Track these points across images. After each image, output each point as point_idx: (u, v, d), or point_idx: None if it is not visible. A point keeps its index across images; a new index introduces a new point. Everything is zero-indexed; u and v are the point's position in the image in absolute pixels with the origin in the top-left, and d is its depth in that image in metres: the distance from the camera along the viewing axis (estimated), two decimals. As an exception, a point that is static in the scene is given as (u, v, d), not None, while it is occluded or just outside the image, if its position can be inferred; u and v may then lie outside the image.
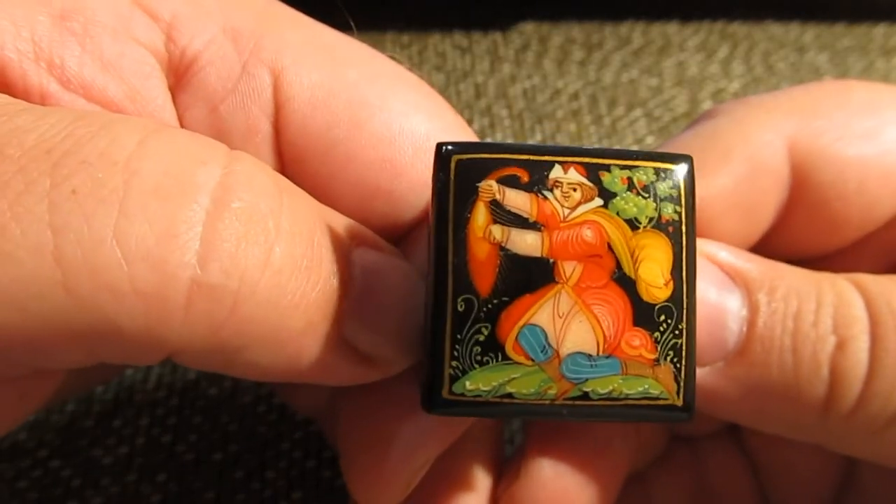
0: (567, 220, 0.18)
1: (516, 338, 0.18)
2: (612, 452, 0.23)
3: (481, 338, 0.18)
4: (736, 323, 0.20)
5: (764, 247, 0.22)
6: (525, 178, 0.18)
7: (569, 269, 0.18)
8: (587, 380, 0.18)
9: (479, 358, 0.18)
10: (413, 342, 0.20)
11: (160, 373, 0.31)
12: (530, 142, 0.40)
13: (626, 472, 0.23)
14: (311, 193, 0.20)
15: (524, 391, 0.18)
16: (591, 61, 0.44)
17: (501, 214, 0.18)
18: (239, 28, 0.21)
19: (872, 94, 0.23)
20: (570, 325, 0.18)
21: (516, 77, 0.43)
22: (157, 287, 0.16)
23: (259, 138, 0.21)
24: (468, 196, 0.18)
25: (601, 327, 0.18)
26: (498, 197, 0.18)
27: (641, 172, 0.19)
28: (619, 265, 0.18)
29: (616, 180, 0.19)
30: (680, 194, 0.19)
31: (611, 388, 0.18)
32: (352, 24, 0.24)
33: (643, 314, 0.18)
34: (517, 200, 0.18)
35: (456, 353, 0.18)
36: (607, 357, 0.18)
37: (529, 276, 0.18)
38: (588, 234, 0.18)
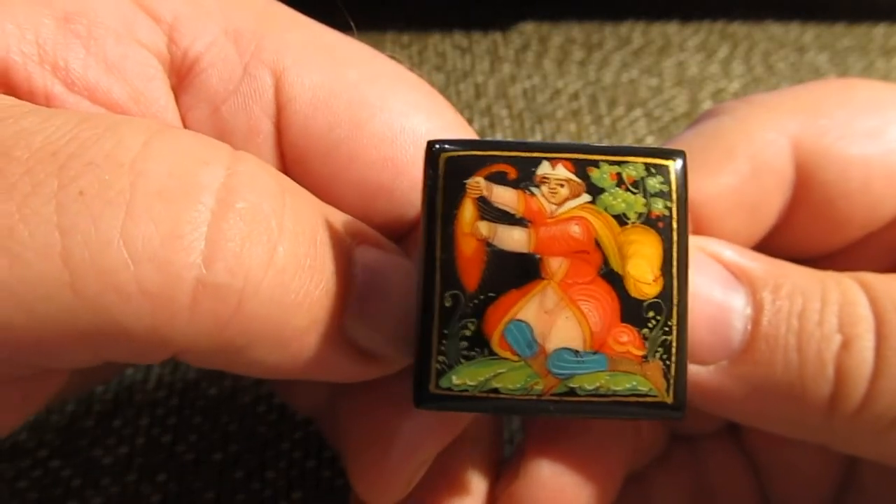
0: (554, 216, 0.18)
1: (502, 333, 0.18)
2: (611, 452, 0.23)
3: (468, 333, 0.18)
4: (740, 321, 0.20)
5: (768, 245, 0.22)
6: (513, 174, 0.18)
7: (555, 265, 0.18)
8: (573, 376, 0.18)
9: (465, 353, 0.18)
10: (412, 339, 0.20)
11: (160, 373, 0.31)
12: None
13: (626, 472, 0.23)
14: (313, 193, 0.20)
15: (510, 386, 0.18)
16: (591, 61, 0.44)
17: (488, 211, 0.18)
18: (240, 29, 0.21)
19: (876, 93, 0.23)
20: (556, 321, 0.18)
21: (516, 77, 0.43)
22: (162, 287, 0.16)
23: (261, 139, 0.21)
24: (456, 193, 0.18)
25: (588, 323, 0.18)
26: (485, 193, 0.18)
27: (631, 168, 0.19)
28: (606, 261, 0.18)
29: (605, 176, 0.19)
30: (671, 189, 0.19)
31: (598, 384, 0.18)
32: (352, 24, 0.24)
33: (631, 310, 0.18)
34: (504, 197, 0.18)
35: (443, 348, 0.18)
36: (594, 353, 0.18)
37: (516, 271, 0.18)
38: (575, 229, 0.18)
